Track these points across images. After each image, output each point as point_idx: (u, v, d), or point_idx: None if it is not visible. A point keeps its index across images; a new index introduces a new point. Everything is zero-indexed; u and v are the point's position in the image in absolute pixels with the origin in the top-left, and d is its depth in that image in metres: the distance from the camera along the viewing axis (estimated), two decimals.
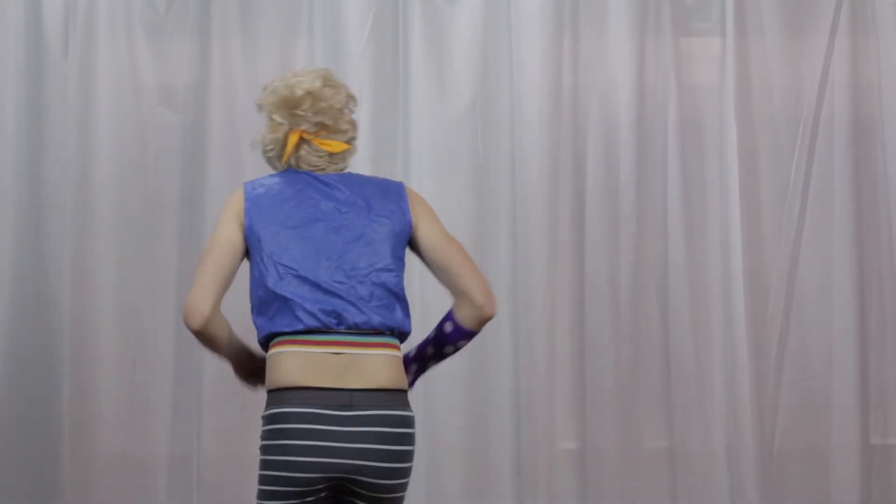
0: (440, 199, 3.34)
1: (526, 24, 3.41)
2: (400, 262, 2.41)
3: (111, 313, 3.38)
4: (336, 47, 3.41)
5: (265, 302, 2.36)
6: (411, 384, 2.48)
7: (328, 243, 2.36)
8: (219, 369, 3.33)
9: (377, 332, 2.33)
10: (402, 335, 2.40)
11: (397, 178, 3.40)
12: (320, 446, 2.25)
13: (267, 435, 2.30)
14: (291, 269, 2.34)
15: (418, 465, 2.61)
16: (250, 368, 2.49)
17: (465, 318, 2.42)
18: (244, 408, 3.38)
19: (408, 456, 2.32)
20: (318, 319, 2.31)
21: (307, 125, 2.45)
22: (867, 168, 3.48)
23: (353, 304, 2.32)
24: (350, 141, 2.52)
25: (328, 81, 2.49)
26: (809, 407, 3.45)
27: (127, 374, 3.37)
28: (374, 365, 2.31)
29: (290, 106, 2.45)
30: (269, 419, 2.30)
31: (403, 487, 2.34)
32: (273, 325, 2.34)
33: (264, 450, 2.30)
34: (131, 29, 3.43)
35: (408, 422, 2.32)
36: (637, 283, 3.43)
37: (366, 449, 2.26)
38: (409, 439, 2.32)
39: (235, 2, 3.45)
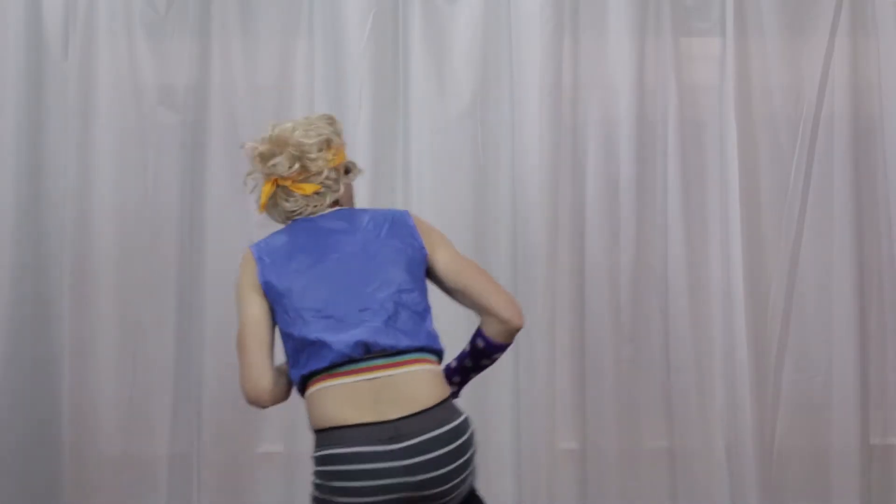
0: (440, 199, 3.36)
1: (526, 24, 3.41)
2: (419, 282, 2.42)
3: (111, 313, 3.38)
4: (336, 47, 3.41)
5: (297, 350, 2.37)
6: (456, 395, 2.49)
7: (344, 276, 2.38)
8: (219, 369, 3.34)
9: (408, 350, 2.33)
10: (432, 350, 2.39)
11: (397, 178, 3.42)
12: (379, 485, 2.24)
13: (323, 477, 2.29)
14: (314, 310, 2.36)
15: None
16: None
17: (495, 334, 2.45)
18: (244, 408, 3.37)
19: (471, 458, 2.31)
20: (345, 354, 2.31)
21: (279, 174, 2.48)
22: (867, 168, 3.48)
23: (379, 331, 2.32)
24: (323, 185, 2.50)
25: (297, 126, 2.50)
26: (809, 407, 3.45)
27: (127, 374, 3.38)
28: (409, 385, 2.30)
29: (264, 160, 2.49)
30: (320, 461, 2.31)
31: (473, 476, 2.34)
32: (306, 367, 2.35)
33: (321, 489, 2.30)
34: (131, 29, 3.43)
35: (462, 429, 2.30)
36: (637, 283, 3.43)
37: (425, 479, 2.25)
38: (467, 445, 2.31)
39: (235, 2, 3.44)
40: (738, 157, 3.42)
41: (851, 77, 3.49)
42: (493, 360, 2.51)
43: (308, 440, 3.33)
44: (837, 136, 3.48)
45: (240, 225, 3.40)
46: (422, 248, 2.46)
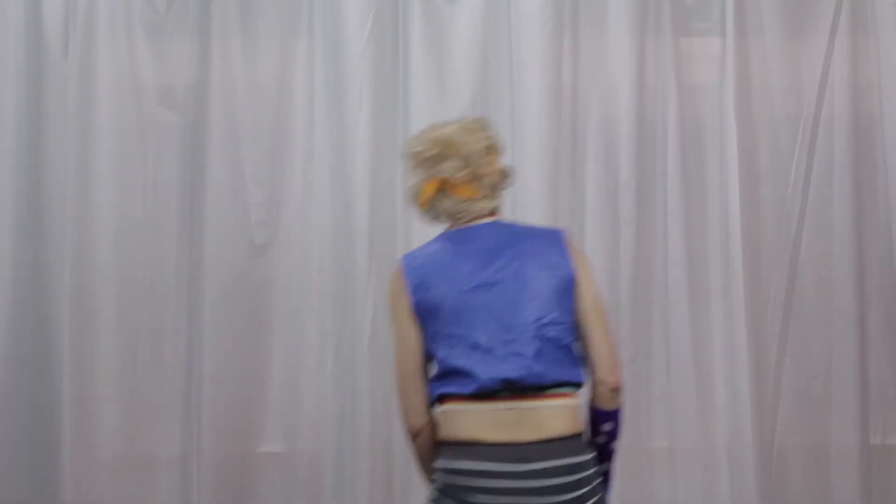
0: None
1: (526, 24, 3.40)
2: (567, 313, 2.42)
3: (111, 313, 3.38)
4: (336, 47, 3.41)
5: (440, 371, 2.40)
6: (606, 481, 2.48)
7: (494, 304, 2.39)
8: (219, 369, 3.34)
9: (549, 386, 2.35)
10: (576, 385, 2.41)
11: (397, 177, 3.41)
12: (500, 503, 2.28)
13: (444, 487, 2.34)
14: (461, 338, 2.37)
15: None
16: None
17: (593, 394, 2.45)
18: (244, 408, 3.39)
19: (585, 497, 2.32)
20: (488, 387, 2.34)
21: (442, 175, 2.49)
22: (867, 168, 3.48)
23: (524, 366, 2.34)
24: (492, 188, 2.52)
25: (466, 129, 2.53)
26: (809, 407, 3.45)
27: (127, 374, 3.37)
28: (549, 416, 2.34)
29: (421, 156, 2.51)
30: (446, 472, 2.35)
31: None
32: (446, 387, 2.38)
33: (437, 502, 2.35)
34: (131, 29, 3.42)
35: (583, 466, 2.34)
36: (637, 283, 3.42)
37: (545, 503, 2.28)
38: (583, 483, 2.33)
39: (235, 2, 3.44)
40: (738, 157, 3.41)
41: (851, 77, 3.49)
42: (609, 436, 2.48)
43: (308, 440, 3.37)
44: (837, 136, 3.48)
45: (240, 225, 3.41)
46: (572, 275, 2.44)
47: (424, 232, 3.34)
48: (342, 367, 3.34)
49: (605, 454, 2.50)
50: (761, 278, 3.45)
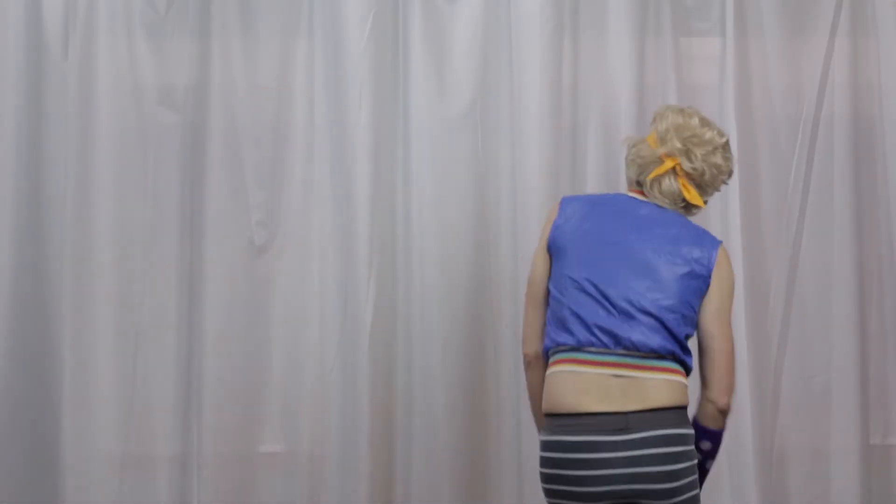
0: (440, 199, 3.37)
1: (526, 23, 3.40)
2: (687, 306, 2.39)
3: (111, 313, 3.38)
4: (336, 47, 3.41)
5: (552, 315, 2.40)
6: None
7: (620, 266, 2.38)
8: (219, 369, 3.35)
9: (658, 355, 2.34)
10: (684, 364, 2.39)
11: (398, 177, 3.41)
12: (597, 475, 2.27)
13: (546, 462, 2.35)
14: (579, 283, 2.36)
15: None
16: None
17: (702, 413, 2.43)
18: (244, 407, 3.39)
19: (685, 472, 2.31)
20: (594, 336, 2.33)
21: (687, 164, 2.46)
22: (867, 168, 3.48)
23: (632, 327, 2.33)
24: (704, 204, 2.53)
25: (728, 144, 2.52)
26: (809, 407, 3.45)
27: (127, 374, 3.37)
28: (655, 387, 2.33)
29: (692, 139, 2.46)
30: (546, 446, 2.35)
31: (691, 492, 2.34)
32: (556, 335, 2.38)
33: (544, 477, 2.35)
34: (131, 29, 3.42)
35: (684, 439, 2.32)
36: None
37: (641, 473, 2.27)
38: (685, 457, 2.32)
39: (235, 2, 3.44)
40: (738, 157, 3.40)
41: (851, 77, 3.49)
42: (704, 455, 2.45)
43: (308, 440, 3.37)
44: (837, 136, 3.48)
45: (240, 225, 3.41)
46: (707, 274, 2.41)
47: (425, 232, 3.37)
48: (342, 367, 3.34)
49: (702, 472, 2.47)
50: (761, 278, 3.45)
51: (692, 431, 2.36)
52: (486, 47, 3.45)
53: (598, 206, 2.48)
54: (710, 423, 2.44)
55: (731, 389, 2.43)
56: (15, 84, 3.36)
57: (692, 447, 2.35)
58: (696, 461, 2.36)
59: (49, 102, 3.39)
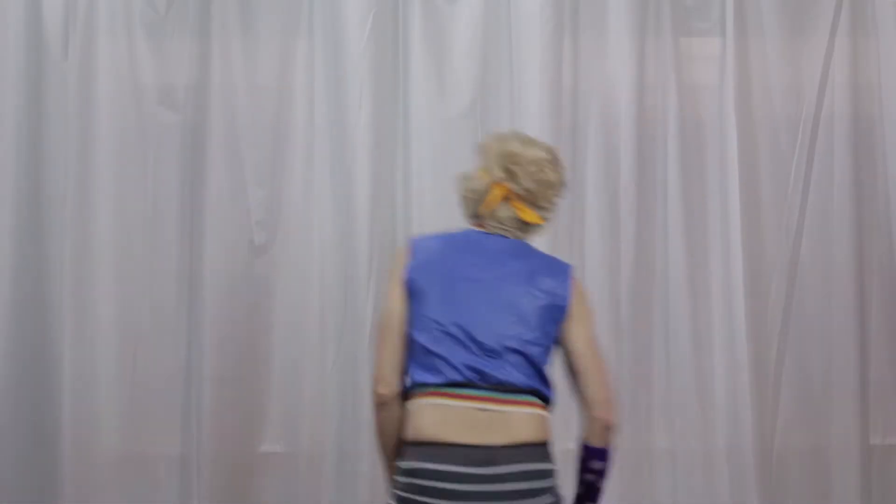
0: (440, 199, 3.36)
1: (526, 23, 3.41)
2: (548, 337, 2.42)
3: (111, 313, 3.38)
4: (336, 47, 3.41)
5: (416, 352, 2.39)
6: None
7: (481, 306, 2.39)
8: (219, 369, 3.34)
9: (521, 390, 2.35)
10: (545, 399, 2.41)
11: (398, 177, 3.42)
12: None
13: (404, 488, 2.32)
14: (442, 325, 2.37)
15: None
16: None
17: (586, 432, 2.44)
18: (244, 407, 3.39)
19: None
20: (461, 374, 2.34)
21: (517, 188, 2.47)
22: (867, 168, 3.48)
23: (498, 365, 2.34)
24: (544, 220, 2.53)
25: (554, 158, 2.53)
26: (809, 407, 3.45)
27: (127, 374, 3.37)
28: (520, 421, 2.34)
29: (515, 162, 2.48)
30: (408, 472, 2.32)
31: None
32: (419, 376, 2.37)
33: (399, 500, 2.33)
34: (131, 29, 3.42)
35: (545, 474, 2.33)
36: (637, 283, 3.42)
37: None
38: (547, 493, 2.33)
39: (235, 2, 3.44)
40: (738, 157, 3.42)
41: (851, 77, 3.49)
42: (595, 474, 2.45)
43: (308, 440, 3.37)
44: (837, 136, 3.48)
45: (240, 225, 3.41)
46: (566, 305, 2.44)
47: (425, 232, 3.36)
48: (342, 366, 3.34)
49: (591, 493, 2.48)
50: (761, 278, 3.45)
51: (555, 467, 2.38)
52: (486, 47, 3.45)
53: (451, 245, 2.48)
54: (598, 442, 2.44)
55: (612, 404, 2.45)
56: (15, 84, 3.36)
57: (554, 483, 2.36)
58: (557, 499, 2.36)
59: (49, 102, 3.39)
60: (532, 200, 2.49)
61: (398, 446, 2.43)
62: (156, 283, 3.39)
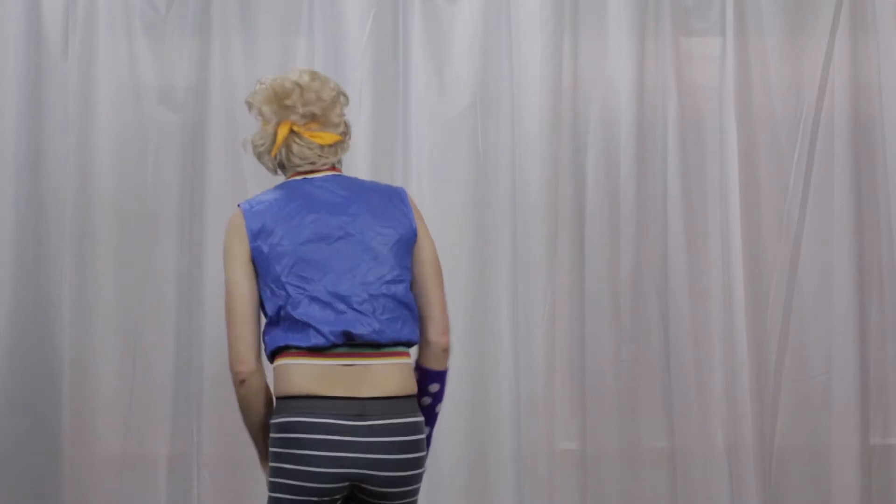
0: (440, 199, 3.36)
1: (526, 23, 3.41)
2: (406, 270, 2.42)
3: (111, 313, 3.38)
4: (336, 47, 3.41)
5: (275, 320, 2.36)
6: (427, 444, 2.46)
7: (335, 259, 2.37)
8: (219, 369, 3.34)
9: (384, 344, 2.34)
10: (410, 344, 2.41)
11: (397, 177, 3.41)
12: (336, 457, 2.26)
13: (280, 443, 2.30)
14: (301, 288, 2.34)
15: None
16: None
17: (424, 354, 2.44)
18: None
19: (418, 462, 2.34)
20: (328, 339, 2.32)
21: (296, 117, 2.44)
22: (867, 168, 3.48)
23: (363, 321, 2.33)
24: (342, 136, 2.51)
25: (315, 76, 2.49)
26: (809, 407, 3.45)
27: (127, 374, 3.37)
28: (385, 373, 2.33)
29: (279, 98, 2.45)
30: (281, 427, 2.31)
31: (415, 493, 2.37)
32: (284, 339, 2.34)
33: (276, 457, 2.31)
34: (131, 29, 3.42)
35: (418, 428, 2.34)
36: (637, 284, 3.43)
37: (378, 459, 2.28)
38: (419, 445, 2.34)
39: (235, 2, 3.44)
40: (738, 157, 3.42)
41: (851, 77, 3.49)
42: (434, 397, 2.46)
43: None
44: (837, 136, 3.48)
45: None
46: (413, 228, 2.44)
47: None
48: None
49: (428, 417, 2.47)
50: (761, 279, 3.45)
51: (422, 419, 2.38)
52: (486, 47, 3.45)
53: (284, 203, 2.41)
54: (435, 365, 2.44)
55: (448, 328, 2.44)
56: (15, 84, 3.36)
57: (423, 435, 2.37)
58: (425, 451, 2.37)
59: (49, 102, 3.39)
60: (319, 121, 2.46)
61: (266, 422, 2.40)
62: (156, 284, 3.39)
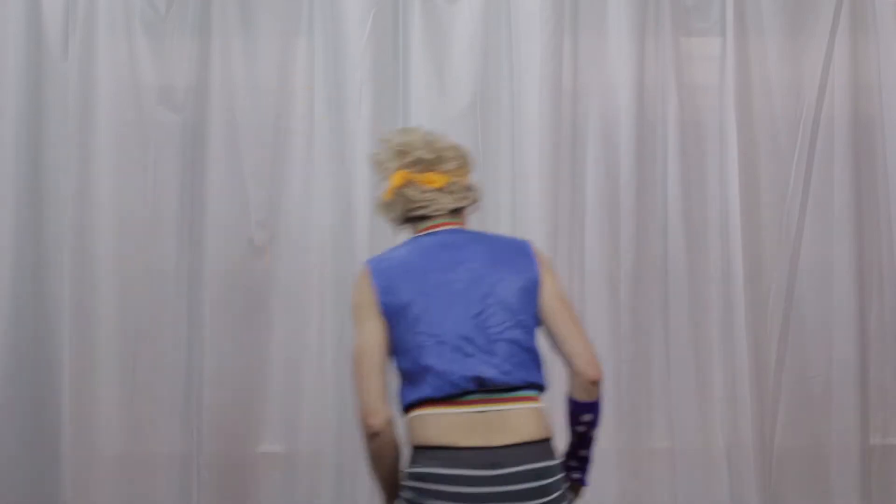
0: None
1: (526, 23, 3.41)
2: (531, 317, 2.44)
3: (111, 313, 3.38)
4: (336, 47, 3.41)
5: (410, 372, 2.40)
6: (581, 481, 2.51)
7: (462, 306, 2.40)
8: (219, 369, 3.34)
9: (515, 388, 2.37)
10: (540, 388, 2.43)
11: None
12: None
13: (414, 493, 2.34)
14: (432, 336, 2.37)
15: None
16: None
17: (573, 387, 2.45)
18: (244, 408, 3.39)
19: (554, 502, 2.34)
20: (457, 387, 2.35)
21: (410, 163, 2.51)
22: (867, 168, 3.49)
23: (492, 366, 2.36)
24: (459, 181, 2.55)
25: (438, 137, 2.58)
26: (809, 407, 3.45)
27: (127, 374, 3.37)
28: (519, 419, 2.36)
29: (402, 150, 2.52)
30: (416, 476, 2.34)
31: None
32: (419, 392, 2.38)
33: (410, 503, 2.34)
34: (131, 29, 3.42)
35: (552, 471, 2.35)
36: (637, 283, 3.43)
37: None
38: (551, 489, 2.34)
39: (235, 2, 3.44)
40: (738, 157, 3.42)
41: (851, 77, 3.49)
42: (587, 425, 2.48)
43: (308, 440, 3.36)
44: (837, 136, 3.48)
45: (240, 224, 3.40)
46: (537, 276, 2.47)
47: None
48: (342, 367, 3.33)
49: (584, 442, 2.51)
50: (761, 279, 3.45)
51: (558, 461, 2.40)
52: (486, 47, 3.45)
53: (410, 257, 2.47)
54: (585, 397, 2.45)
55: (594, 358, 2.45)
56: (15, 84, 3.36)
57: (559, 477, 2.37)
58: (563, 490, 2.38)
59: (49, 102, 3.39)
60: (431, 166, 2.51)
61: (395, 472, 2.45)
62: (156, 283, 3.39)
